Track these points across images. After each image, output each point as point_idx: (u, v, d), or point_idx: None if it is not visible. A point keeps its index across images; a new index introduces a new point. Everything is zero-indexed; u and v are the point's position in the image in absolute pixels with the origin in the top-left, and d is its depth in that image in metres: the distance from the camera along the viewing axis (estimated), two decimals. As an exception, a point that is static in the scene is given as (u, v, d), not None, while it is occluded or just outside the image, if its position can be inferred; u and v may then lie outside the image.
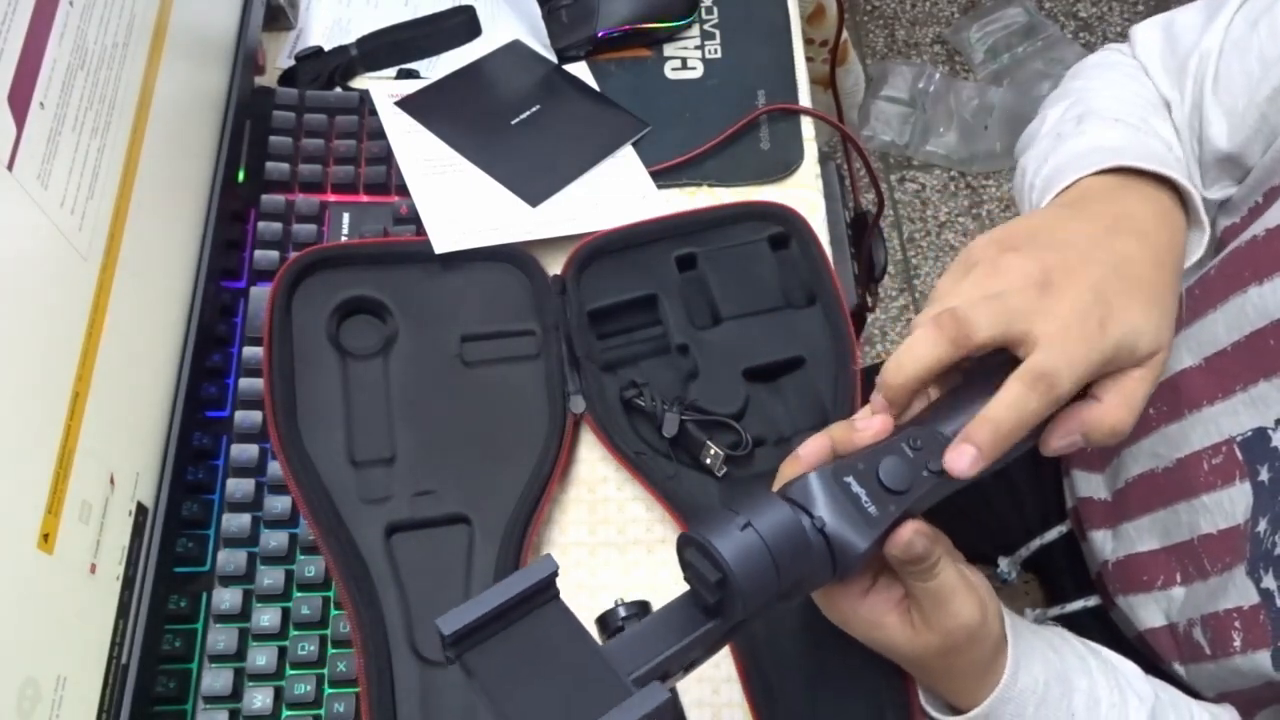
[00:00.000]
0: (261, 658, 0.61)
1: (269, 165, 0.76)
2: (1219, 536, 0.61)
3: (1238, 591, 0.59)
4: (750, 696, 0.62)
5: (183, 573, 0.64)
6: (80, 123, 0.54)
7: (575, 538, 0.68)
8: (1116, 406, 0.49)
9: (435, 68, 0.84)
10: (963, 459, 0.47)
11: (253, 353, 0.69)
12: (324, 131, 0.78)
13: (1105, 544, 0.74)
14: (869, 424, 0.50)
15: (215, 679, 0.60)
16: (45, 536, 0.49)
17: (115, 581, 0.56)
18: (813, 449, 0.51)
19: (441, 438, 0.67)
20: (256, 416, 0.67)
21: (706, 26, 0.87)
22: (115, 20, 0.59)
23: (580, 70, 0.84)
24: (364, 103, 0.80)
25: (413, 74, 0.84)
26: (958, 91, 1.93)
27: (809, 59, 1.02)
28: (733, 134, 0.81)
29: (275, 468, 0.65)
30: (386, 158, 0.78)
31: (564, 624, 0.42)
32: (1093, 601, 0.76)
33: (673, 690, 0.45)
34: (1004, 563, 0.84)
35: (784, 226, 0.75)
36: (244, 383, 0.68)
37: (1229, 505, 0.61)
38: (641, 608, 0.47)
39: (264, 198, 0.75)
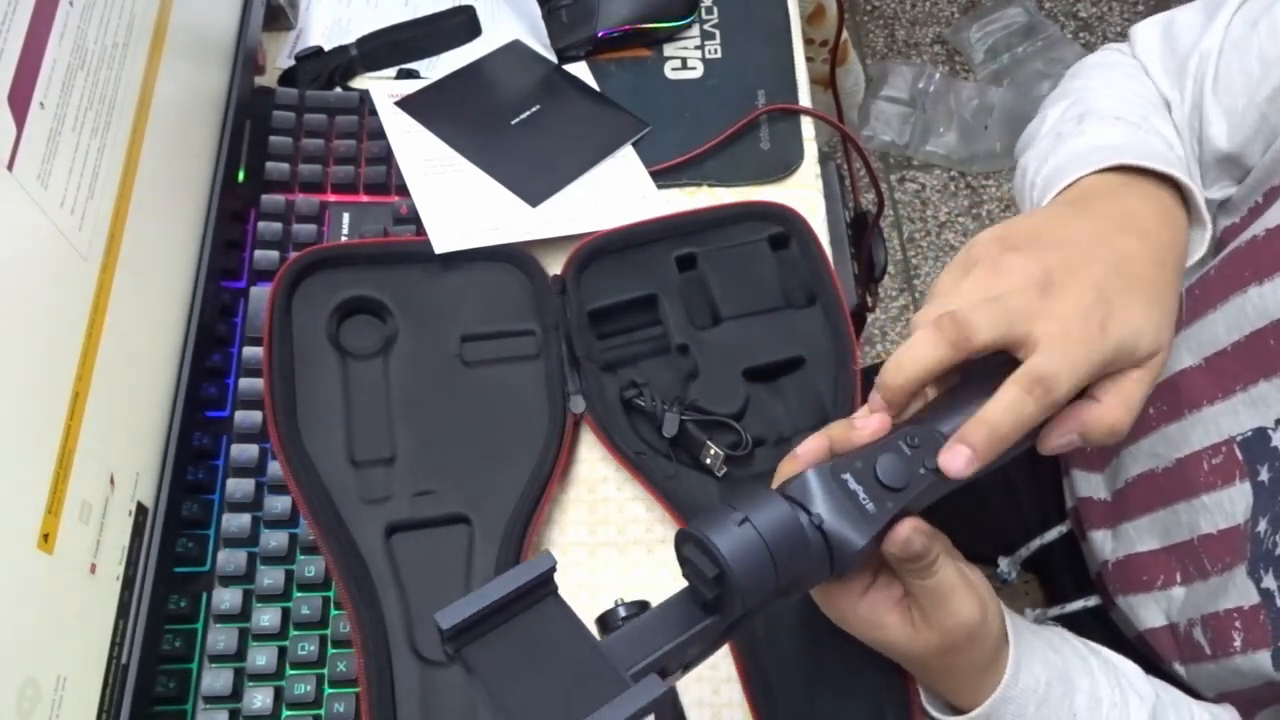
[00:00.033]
0: (261, 658, 0.61)
1: (269, 165, 0.76)
2: (1219, 536, 0.61)
3: (1238, 591, 0.59)
4: (750, 696, 0.62)
5: (183, 573, 0.64)
6: (80, 123, 0.54)
7: (575, 538, 0.68)
8: (1115, 406, 0.49)
9: (435, 68, 0.84)
10: (957, 459, 0.47)
11: (253, 353, 0.69)
12: (324, 131, 0.78)
13: (1105, 544, 0.74)
14: (867, 423, 0.50)
15: (215, 679, 0.60)
16: (45, 536, 0.49)
17: (115, 581, 0.56)
18: (811, 448, 0.51)
19: (441, 438, 0.67)
20: (256, 416, 0.67)
21: (706, 26, 0.87)
22: (115, 20, 0.59)
23: (580, 70, 0.84)
24: (364, 103, 0.80)
25: (413, 74, 0.84)
26: (958, 91, 1.93)
27: (809, 59, 1.02)
28: (733, 134, 0.81)
29: (275, 468, 0.65)
30: (386, 158, 0.78)
31: (563, 619, 0.43)
32: (1093, 601, 0.76)
33: (672, 688, 0.45)
34: (1004, 563, 0.84)
35: (784, 226, 0.75)
36: (244, 383, 0.68)
37: (1229, 505, 0.61)
38: (641, 608, 0.47)
39: (264, 198, 0.75)
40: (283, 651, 0.62)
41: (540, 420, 0.68)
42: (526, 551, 0.64)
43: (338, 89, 0.82)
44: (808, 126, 0.83)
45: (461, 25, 0.86)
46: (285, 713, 0.61)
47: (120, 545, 0.57)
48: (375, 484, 0.65)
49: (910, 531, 0.47)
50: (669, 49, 0.86)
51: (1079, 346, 0.47)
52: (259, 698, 0.60)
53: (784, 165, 0.81)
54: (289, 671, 0.62)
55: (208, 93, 0.73)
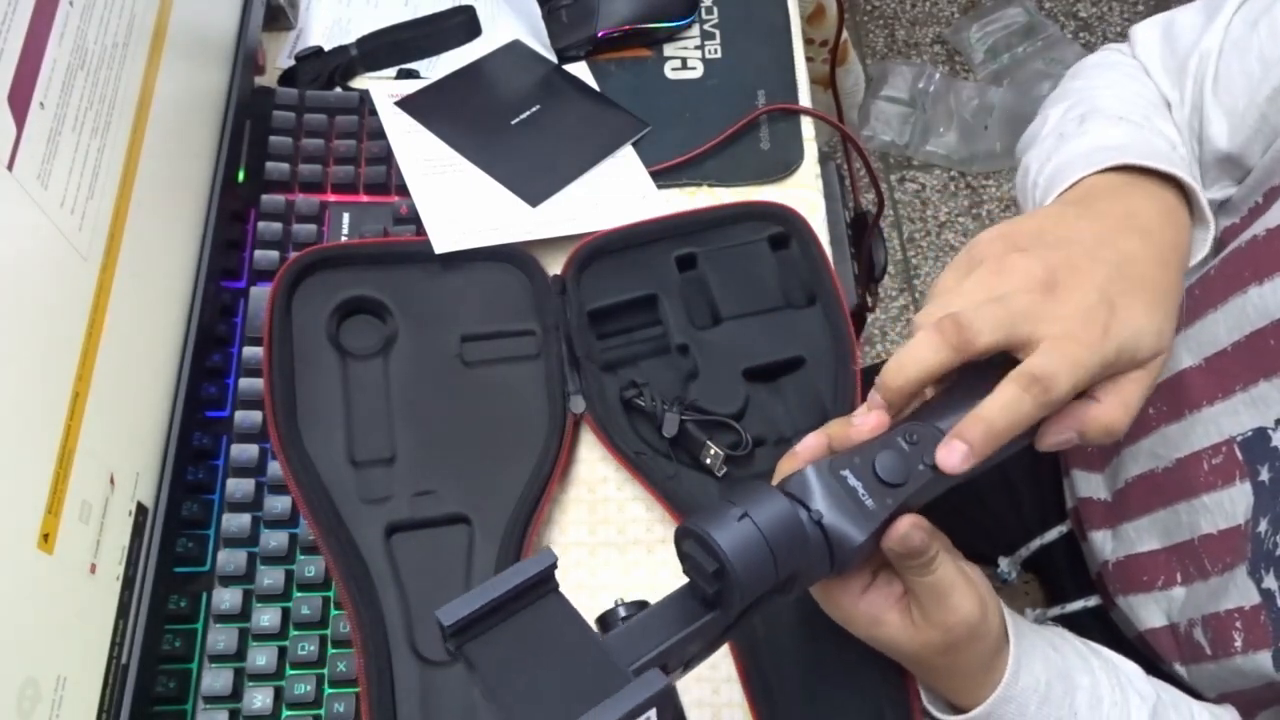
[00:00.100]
0: (261, 658, 0.61)
1: (269, 165, 0.76)
2: (1219, 537, 0.61)
3: (1238, 592, 0.59)
4: (750, 696, 0.62)
5: (183, 573, 0.64)
6: (80, 123, 0.54)
7: (575, 538, 0.68)
8: (1113, 406, 0.49)
9: (435, 68, 0.84)
10: (954, 455, 0.47)
11: (253, 353, 0.69)
12: (324, 131, 0.78)
13: (1105, 544, 0.74)
14: (865, 420, 0.50)
15: (215, 679, 0.60)
16: (45, 536, 0.49)
17: (115, 581, 0.56)
18: (810, 445, 0.51)
19: (441, 438, 0.67)
20: (256, 416, 0.67)
21: (706, 26, 0.87)
22: (115, 20, 0.59)
23: (580, 70, 0.84)
24: (364, 103, 0.80)
25: (413, 74, 0.84)
26: (958, 91, 1.93)
27: (809, 59, 1.02)
28: (733, 134, 0.81)
29: (275, 468, 0.65)
30: (386, 158, 0.78)
31: (564, 615, 0.43)
32: (1093, 602, 0.76)
33: (672, 687, 0.45)
34: (1004, 563, 0.84)
35: (784, 226, 0.75)
36: (244, 383, 0.68)
37: (1229, 505, 0.60)
38: (641, 608, 0.47)
39: (264, 198, 0.75)
40: (283, 651, 0.62)
41: (540, 420, 0.68)
42: (526, 551, 0.64)
43: (338, 89, 0.82)
44: (808, 126, 0.83)
45: (461, 25, 0.86)
46: (285, 713, 0.61)
47: (120, 545, 0.57)
48: (375, 484, 0.65)
49: (909, 527, 0.48)
50: (669, 49, 0.86)
51: (1081, 348, 0.47)
52: (259, 698, 0.60)
53: (784, 165, 0.81)
54: (289, 671, 0.62)
55: (208, 93, 0.73)
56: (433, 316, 0.71)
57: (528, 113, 0.81)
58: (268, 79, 0.82)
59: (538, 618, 0.42)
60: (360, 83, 0.83)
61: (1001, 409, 0.47)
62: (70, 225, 0.53)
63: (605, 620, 0.47)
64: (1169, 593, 0.67)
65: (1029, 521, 0.84)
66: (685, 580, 0.46)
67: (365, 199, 0.77)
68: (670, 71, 0.85)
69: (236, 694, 0.61)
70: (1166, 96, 0.66)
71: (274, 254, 0.73)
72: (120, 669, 0.56)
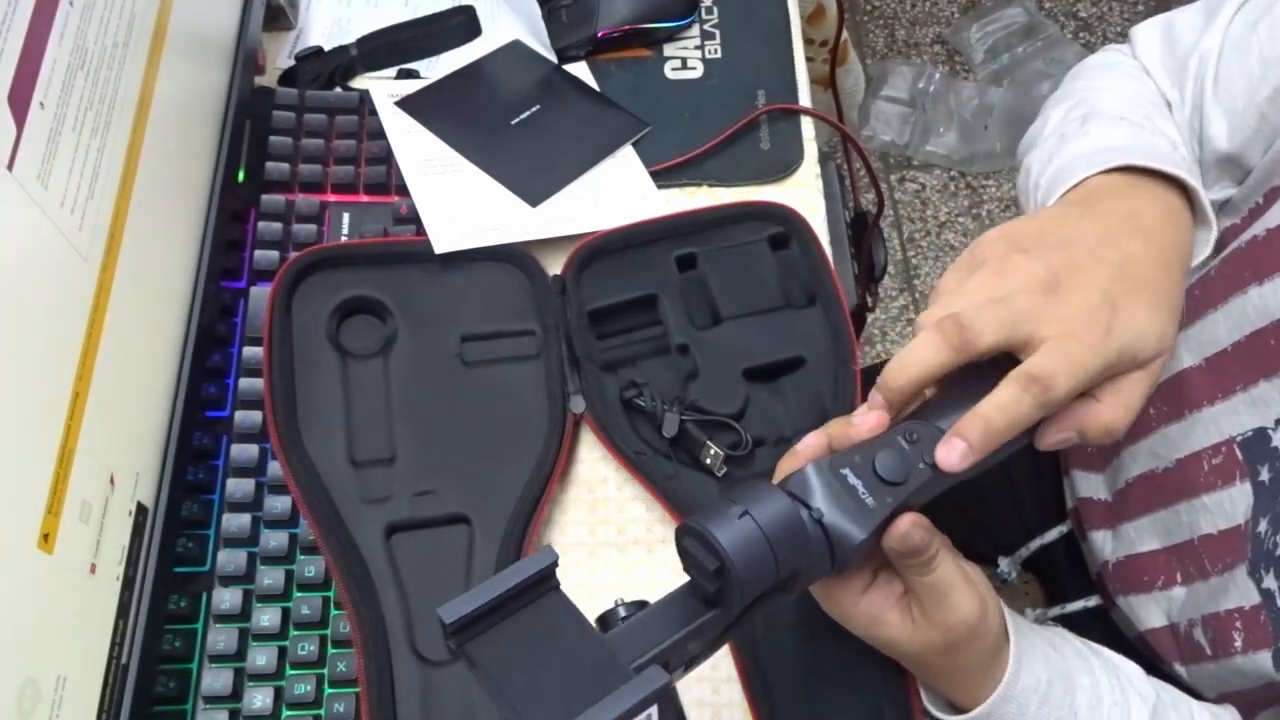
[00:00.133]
0: (261, 658, 0.61)
1: (269, 165, 0.76)
2: (1219, 537, 0.61)
3: (1239, 592, 0.59)
4: (750, 696, 0.62)
5: (183, 573, 0.64)
6: (80, 123, 0.54)
7: (575, 538, 0.68)
8: (1113, 406, 0.49)
9: (435, 68, 0.84)
10: (953, 453, 0.47)
11: (253, 353, 0.69)
12: (324, 131, 0.78)
13: (1105, 544, 0.74)
14: (865, 419, 0.50)
15: (215, 679, 0.60)
16: (45, 536, 0.49)
17: (115, 581, 0.56)
18: (810, 444, 0.51)
19: (441, 438, 0.67)
20: (256, 416, 0.67)
21: (706, 26, 0.87)
22: (115, 20, 0.59)
23: (580, 70, 0.84)
24: (364, 103, 0.80)
25: (413, 74, 0.84)
26: (958, 91, 1.93)
27: (809, 59, 1.02)
28: (733, 134, 0.81)
29: (275, 468, 0.65)
30: (386, 158, 0.78)
31: (565, 614, 0.43)
32: (1093, 602, 0.76)
33: (672, 687, 0.45)
34: (1004, 563, 0.84)
35: (784, 226, 0.75)
36: (244, 383, 0.68)
37: (1229, 505, 0.60)
38: (641, 608, 0.47)
39: (264, 198, 0.75)
40: (283, 651, 0.62)
41: (540, 420, 0.68)
42: (526, 551, 0.64)
43: (338, 89, 0.82)
44: (808, 126, 0.83)
45: (461, 25, 0.86)
46: (285, 713, 0.61)
47: (120, 545, 0.57)
48: (375, 484, 0.65)
49: (910, 526, 0.48)
50: (669, 49, 0.86)
51: (1082, 349, 0.47)
52: (259, 698, 0.60)
53: (784, 165, 0.81)
54: (289, 671, 0.62)
55: (208, 93, 0.73)
56: (433, 316, 0.71)
57: (528, 113, 0.81)
58: (268, 79, 0.82)
59: (539, 616, 0.42)
60: (360, 83, 0.83)
61: (1000, 408, 0.47)
62: (70, 225, 0.53)
63: (605, 620, 0.47)
64: (1169, 593, 0.67)
65: (1029, 521, 0.84)
66: (686, 579, 0.46)
67: (365, 199, 0.77)
68: (670, 71, 0.85)
69: (236, 694, 0.61)
70: (1167, 97, 0.66)
71: (274, 254, 0.73)
72: (120, 669, 0.56)
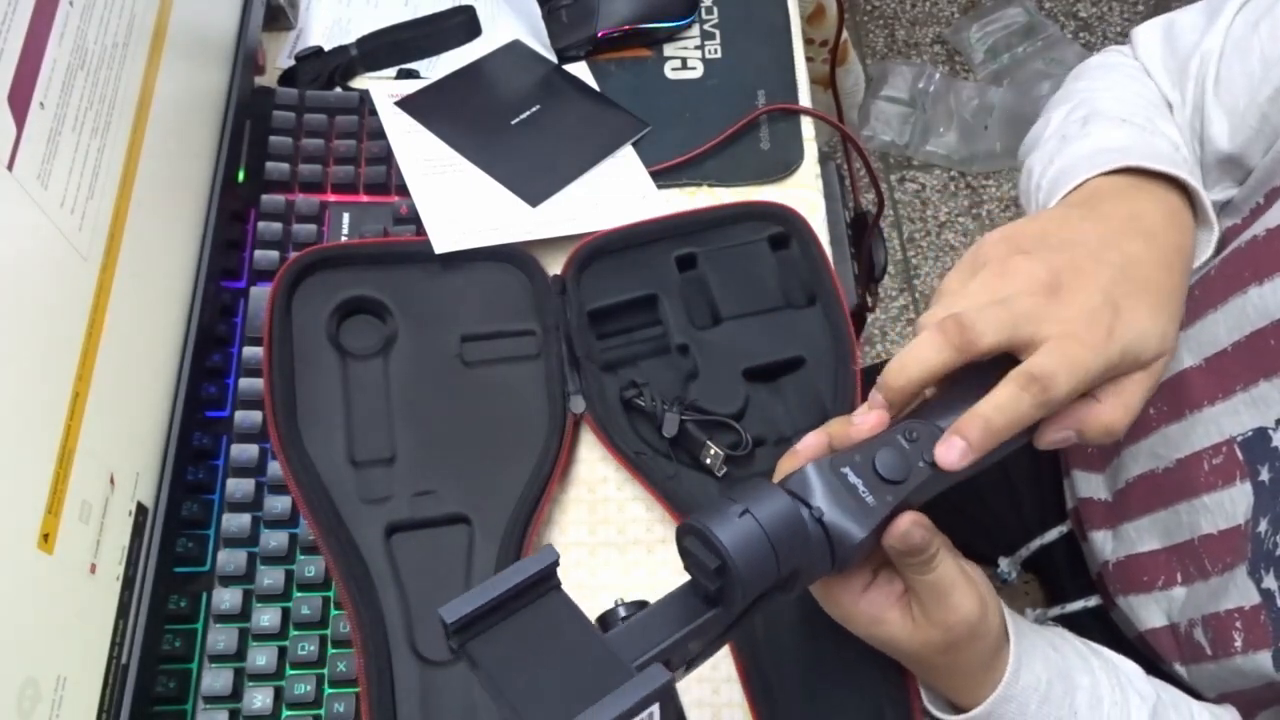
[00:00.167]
0: (261, 658, 0.61)
1: (269, 165, 0.76)
2: (1220, 537, 0.61)
3: (1239, 592, 0.59)
4: (750, 696, 0.62)
5: (183, 573, 0.64)
6: (80, 123, 0.54)
7: (575, 538, 0.68)
8: (1113, 407, 0.49)
9: (435, 68, 0.84)
10: (952, 452, 0.47)
11: (253, 353, 0.69)
12: (324, 131, 0.78)
13: (1106, 544, 0.74)
14: (865, 418, 0.50)
15: (215, 679, 0.60)
16: (45, 536, 0.49)
17: (115, 581, 0.56)
18: (810, 443, 0.51)
19: (441, 438, 0.67)
20: (256, 416, 0.67)
21: (706, 26, 0.87)
22: (115, 20, 0.59)
23: (580, 70, 0.84)
24: (364, 103, 0.80)
25: (413, 74, 0.84)
26: (958, 91, 1.93)
27: (809, 59, 1.02)
28: (733, 134, 0.81)
29: (275, 468, 0.65)
30: (386, 158, 0.78)
31: (566, 613, 0.43)
32: (1093, 602, 0.76)
33: (672, 686, 0.45)
34: (1004, 563, 0.84)
35: (784, 226, 0.75)
36: (244, 383, 0.68)
37: (1230, 505, 0.61)
38: (641, 608, 0.47)
39: (264, 198, 0.75)
40: (283, 651, 0.62)
41: (540, 420, 0.68)
42: (526, 551, 0.64)
43: (338, 89, 0.82)
44: (808, 126, 0.83)
45: (461, 25, 0.86)
46: (285, 713, 0.61)
47: (120, 545, 0.57)
48: (375, 484, 0.65)
49: (910, 524, 0.48)
50: (669, 49, 0.86)
51: (1083, 350, 0.47)
52: (259, 698, 0.60)
53: (784, 165, 0.81)
54: (289, 671, 0.62)
55: (208, 93, 0.73)
56: (433, 316, 0.71)
57: (528, 113, 0.81)
58: (268, 79, 0.82)
59: (540, 615, 0.42)
60: (360, 83, 0.83)
61: (1000, 407, 0.47)
62: (70, 225, 0.53)
63: (605, 620, 0.47)
64: (1169, 593, 0.67)
65: (1029, 521, 0.84)
66: (686, 579, 0.46)
67: (365, 199, 0.77)
68: (670, 71, 0.85)
69: (236, 694, 0.61)
70: (1168, 98, 0.66)
71: (274, 254, 0.73)
72: (120, 669, 0.56)
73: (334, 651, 0.62)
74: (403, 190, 0.76)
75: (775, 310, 0.72)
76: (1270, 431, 0.58)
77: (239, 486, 0.65)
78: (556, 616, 0.43)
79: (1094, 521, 0.75)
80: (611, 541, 0.68)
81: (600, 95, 0.83)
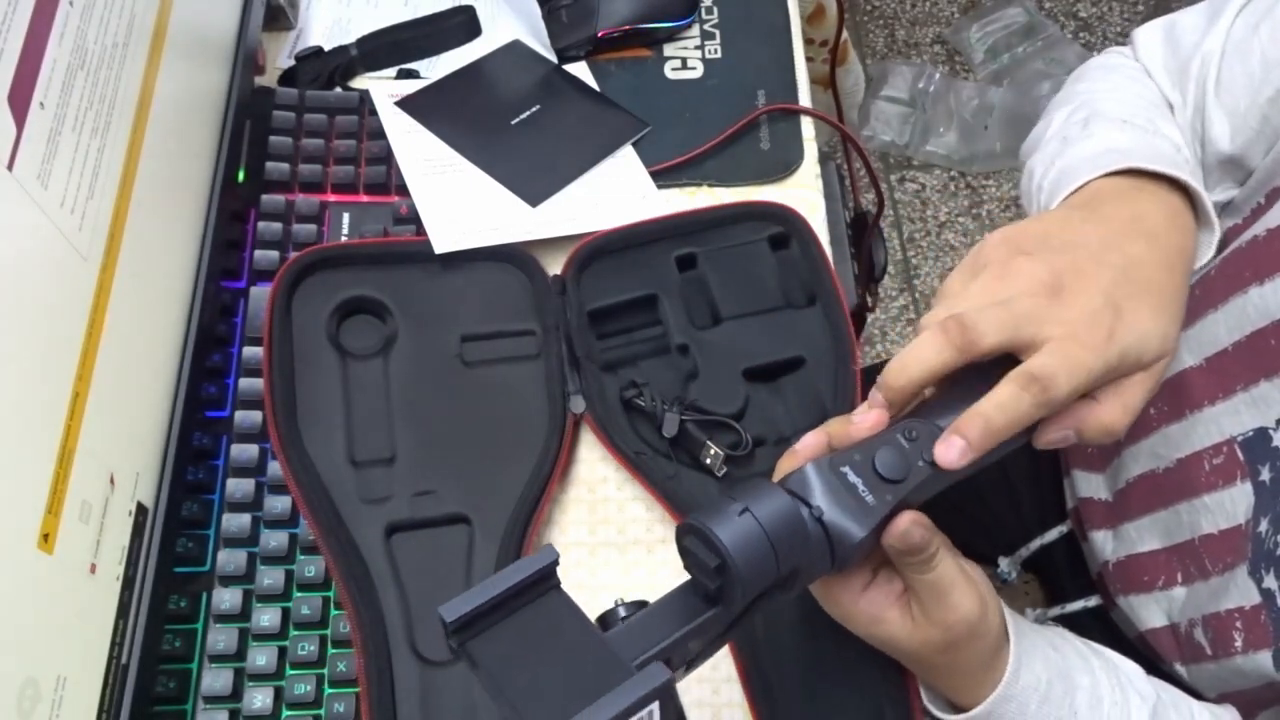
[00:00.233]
0: (261, 658, 0.61)
1: (269, 165, 0.76)
2: (1220, 537, 0.61)
3: (1239, 592, 0.59)
4: (750, 696, 0.62)
5: (183, 573, 0.64)
6: (80, 123, 0.54)
7: (575, 538, 0.68)
8: (1113, 406, 0.49)
9: (435, 68, 0.84)
10: (952, 451, 0.47)
11: (253, 353, 0.69)
12: (324, 131, 0.78)
13: (1106, 544, 0.74)
14: (865, 418, 0.50)
15: (215, 679, 0.60)
16: (45, 536, 0.49)
17: (115, 581, 0.56)
18: (810, 443, 0.51)
19: (441, 438, 0.67)
20: (256, 416, 0.67)
21: (706, 26, 0.87)
22: (115, 20, 0.59)
23: (580, 70, 0.84)
24: (364, 103, 0.80)
25: (413, 74, 0.84)
26: (958, 91, 1.93)
27: (809, 59, 1.02)
28: (733, 134, 0.81)
29: (275, 468, 0.65)
30: (386, 158, 0.78)
31: (566, 612, 0.43)
32: (1093, 602, 0.76)
33: (672, 686, 0.45)
34: (1004, 563, 0.84)
35: (784, 226, 0.75)
36: (244, 383, 0.68)
37: (1230, 505, 0.61)
38: (641, 608, 0.47)
39: (264, 198, 0.75)
40: (283, 651, 0.62)
41: (540, 420, 0.68)
42: (526, 551, 0.64)
43: (338, 89, 0.82)
44: (808, 126, 0.83)
45: (461, 25, 0.86)
46: (285, 713, 0.61)
47: (120, 545, 0.57)
48: (375, 484, 0.65)
49: (909, 524, 0.48)
50: (669, 49, 0.86)
51: (1084, 351, 0.47)
52: (259, 698, 0.60)
53: (784, 165, 0.81)
54: (289, 671, 0.62)
55: (208, 93, 0.73)
56: (433, 316, 0.71)
57: (528, 113, 0.81)
58: (268, 79, 0.82)
59: (540, 614, 0.42)
60: (360, 83, 0.83)
61: (1000, 406, 0.47)
62: (70, 225, 0.53)
63: (605, 620, 0.47)
64: (1169, 593, 0.67)
65: (1029, 521, 0.84)
66: (686, 579, 0.46)
67: (365, 199, 0.77)
68: (670, 71, 0.85)
69: (236, 694, 0.61)
70: (1169, 99, 0.66)
71: (274, 254, 0.73)
72: (120, 669, 0.56)
73: (334, 651, 0.62)
74: (403, 190, 0.76)
75: (775, 310, 0.72)
76: (1271, 431, 0.58)
77: (239, 486, 0.65)
78: (556, 616, 0.43)
79: (1094, 521, 0.75)
80: (611, 541, 0.68)
81: (600, 95, 0.83)
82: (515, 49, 0.86)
